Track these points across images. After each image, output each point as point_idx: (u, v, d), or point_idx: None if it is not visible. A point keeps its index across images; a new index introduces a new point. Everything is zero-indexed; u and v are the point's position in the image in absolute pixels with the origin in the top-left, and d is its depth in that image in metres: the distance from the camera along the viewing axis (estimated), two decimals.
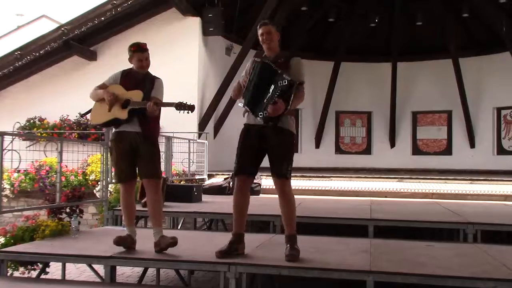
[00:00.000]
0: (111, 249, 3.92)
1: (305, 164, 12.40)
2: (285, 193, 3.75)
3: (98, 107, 4.10)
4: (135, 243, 4.02)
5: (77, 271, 6.03)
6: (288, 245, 3.67)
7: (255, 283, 4.20)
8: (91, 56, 11.46)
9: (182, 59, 10.84)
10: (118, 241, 3.93)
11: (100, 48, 11.51)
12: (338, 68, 14.29)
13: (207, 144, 9.99)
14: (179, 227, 7.03)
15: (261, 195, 7.97)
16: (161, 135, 6.49)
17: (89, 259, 4.08)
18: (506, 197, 7.95)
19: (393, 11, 13.20)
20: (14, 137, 8.22)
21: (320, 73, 13.65)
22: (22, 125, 11.14)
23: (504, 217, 5.72)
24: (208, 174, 9.85)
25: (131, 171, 4.07)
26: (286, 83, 3.48)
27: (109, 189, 6.39)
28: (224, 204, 6.85)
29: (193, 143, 9.70)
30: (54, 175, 7.43)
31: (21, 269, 4.36)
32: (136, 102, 3.92)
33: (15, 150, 7.91)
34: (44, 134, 10.60)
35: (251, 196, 3.94)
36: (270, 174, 3.82)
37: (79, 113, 10.62)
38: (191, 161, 9.45)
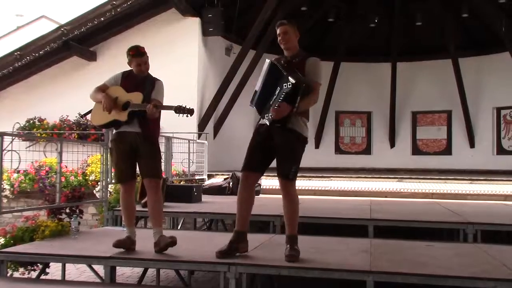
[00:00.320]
0: (111, 250, 3.92)
1: (305, 164, 12.14)
2: (287, 193, 3.73)
3: (99, 108, 4.10)
4: (134, 244, 4.02)
5: (77, 272, 6.03)
6: (288, 246, 3.66)
7: (255, 283, 4.20)
8: (91, 57, 11.46)
9: (181, 59, 10.84)
10: (118, 245, 3.93)
11: (99, 48, 11.51)
12: (337, 68, 14.30)
13: (207, 144, 10.00)
14: (179, 227, 7.03)
15: (261, 195, 7.97)
16: (161, 136, 6.49)
17: (89, 260, 4.08)
18: (506, 197, 7.95)
19: (393, 11, 13.20)
20: (13, 137, 8.22)
21: None
22: (22, 125, 11.13)
23: (504, 217, 5.73)
24: (208, 174, 9.85)
25: (131, 172, 4.08)
26: (290, 86, 3.44)
27: (109, 189, 6.39)
28: (224, 204, 6.85)
29: (193, 143, 9.70)
30: (54, 176, 7.43)
31: (21, 269, 4.36)
32: (136, 104, 3.93)
33: (14, 151, 7.90)
34: (43, 135, 10.60)
35: None
36: (270, 174, 3.82)
37: (79, 113, 10.70)
38: (191, 161, 9.45)
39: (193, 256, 3.80)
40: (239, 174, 9.28)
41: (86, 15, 10.88)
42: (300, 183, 8.89)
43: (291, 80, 3.45)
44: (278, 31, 3.80)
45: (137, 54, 4.04)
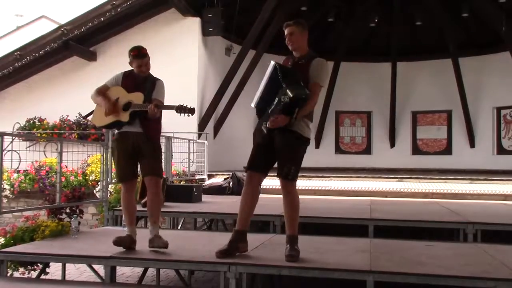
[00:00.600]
0: (111, 249, 3.92)
1: (305, 164, 12.19)
2: (287, 194, 3.73)
3: (100, 109, 4.13)
4: (135, 243, 4.02)
5: (77, 272, 6.03)
6: (289, 245, 3.66)
7: (255, 283, 4.20)
8: (91, 57, 11.46)
9: (181, 59, 10.85)
10: (118, 242, 3.94)
11: (99, 48, 11.51)
12: (337, 68, 14.30)
13: (207, 144, 10.00)
14: (179, 227, 7.04)
15: (261, 195, 7.94)
16: (161, 135, 6.49)
17: (89, 260, 4.08)
18: (506, 197, 7.95)
19: (393, 11, 13.20)
20: (14, 137, 8.22)
21: None
22: (22, 125, 11.13)
23: (504, 217, 5.73)
24: (208, 174, 9.85)
25: (133, 171, 4.11)
26: (288, 100, 3.39)
27: (109, 189, 6.39)
28: (224, 204, 6.86)
29: (193, 143, 9.70)
30: (54, 176, 7.43)
31: (21, 269, 4.36)
32: (137, 105, 3.96)
33: (15, 151, 7.91)
34: (44, 135, 10.59)
35: None
36: (270, 174, 3.82)
37: (79, 113, 10.73)
38: (191, 161, 9.45)
39: (193, 256, 3.80)
40: (239, 174, 9.35)
41: (86, 15, 10.88)
42: (300, 183, 8.85)
43: (289, 93, 3.39)
44: (285, 32, 3.79)
45: (139, 55, 4.06)
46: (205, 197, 7.50)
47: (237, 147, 11.53)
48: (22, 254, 4.06)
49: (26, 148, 9.64)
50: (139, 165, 4.14)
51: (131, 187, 4.14)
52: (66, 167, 8.28)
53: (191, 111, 3.91)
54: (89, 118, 4.41)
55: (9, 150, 7.41)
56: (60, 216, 5.45)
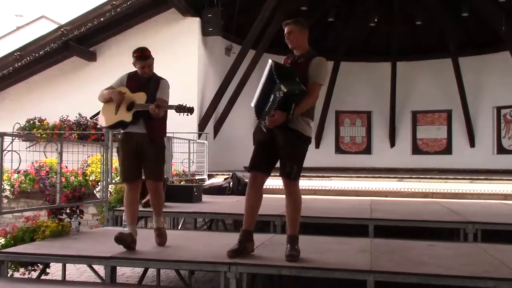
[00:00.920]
0: (111, 250, 3.92)
1: (305, 164, 12.19)
2: (290, 193, 3.73)
3: (106, 110, 4.20)
4: (135, 243, 4.04)
5: (78, 272, 6.03)
6: (289, 245, 3.66)
7: (255, 283, 4.20)
8: (91, 57, 11.46)
9: (181, 59, 10.85)
10: (119, 237, 3.95)
11: (99, 48, 11.51)
12: (337, 67, 14.30)
13: (207, 144, 9.99)
14: (179, 227, 7.04)
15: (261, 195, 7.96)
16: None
17: (89, 260, 4.08)
18: (506, 196, 7.95)
19: (393, 11, 13.20)
20: (14, 138, 8.22)
21: None
22: (22, 126, 11.13)
23: (504, 216, 5.73)
24: (208, 174, 9.85)
25: (136, 171, 4.17)
26: (282, 95, 3.39)
27: (109, 189, 6.39)
28: (224, 204, 6.86)
29: (193, 143, 9.70)
30: (54, 176, 7.44)
31: (22, 270, 4.35)
32: (139, 105, 4.03)
33: (15, 151, 7.91)
34: (44, 135, 10.59)
35: None
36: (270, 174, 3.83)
37: (79, 114, 10.74)
38: (191, 161, 9.45)
39: (194, 256, 3.80)
40: (239, 174, 9.34)
41: (86, 15, 10.87)
42: (301, 183, 8.75)
43: (283, 88, 3.38)
44: (284, 31, 3.79)
45: (142, 57, 4.12)
46: (205, 197, 7.50)
47: (237, 147, 11.53)
48: (22, 255, 4.06)
49: (26, 148, 9.64)
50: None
51: (135, 187, 4.20)
52: (66, 167, 8.29)
53: (190, 110, 3.97)
54: (96, 119, 4.48)
55: (9, 151, 7.42)
56: (60, 217, 5.45)
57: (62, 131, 10.78)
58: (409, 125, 14.62)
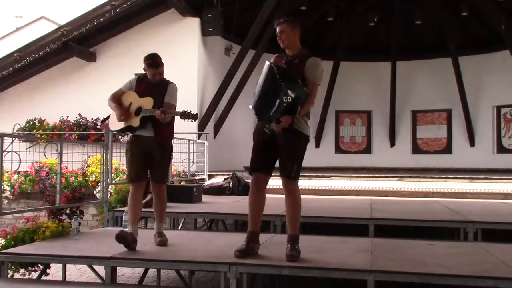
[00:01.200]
0: (111, 250, 3.92)
1: (305, 164, 12.19)
2: (289, 193, 3.74)
3: (115, 115, 4.33)
4: (136, 242, 4.06)
5: (78, 272, 6.03)
6: (289, 245, 3.66)
7: (256, 283, 4.21)
8: (91, 57, 11.45)
9: (181, 59, 10.83)
10: (120, 235, 3.99)
11: (99, 49, 11.50)
12: (337, 67, 14.29)
13: (207, 144, 9.99)
14: (179, 228, 7.04)
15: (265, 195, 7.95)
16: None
17: (89, 260, 4.09)
18: (506, 196, 7.95)
19: (392, 10, 13.19)
20: (14, 138, 8.22)
21: None
22: (22, 126, 11.13)
23: (504, 216, 5.73)
24: (208, 175, 9.85)
25: (143, 171, 4.27)
26: (290, 100, 3.39)
27: (109, 190, 6.39)
28: (224, 204, 6.86)
29: (193, 143, 9.70)
30: (54, 177, 7.43)
31: (22, 270, 4.35)
32: (146, 110, 4.15)
33: (15, 152, 7.92)
34: (44, 136, 10.59)
35: None
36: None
37: (79, 114, 10.73)
38: (191, 161, 9.45)
39: (194, 256, 3.81)
40: (240, 174, 9.33)
41: (86, 16, 10.86)
42: (301, 183, 8.78)
43: (290, 94, 3.38)
44: (276, 30, 3.79)
45: (153, 65, 4.27)
46: (205, 197, 7.50)
47: (237, 147, 11.53)
48: (22, 255, 4.07)
49: (26, 149, 9.63)
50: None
51: (140, 187, 4.30)
52: (66, 168, 8.29)
53: (194, 117, 4.12)
54: (107, 123, 4.57)
55: (9, 151, 7.43)
56: (61, 217, 5.47)
57: (62, 132, 10.77)
58: (409, 124, 14.61)
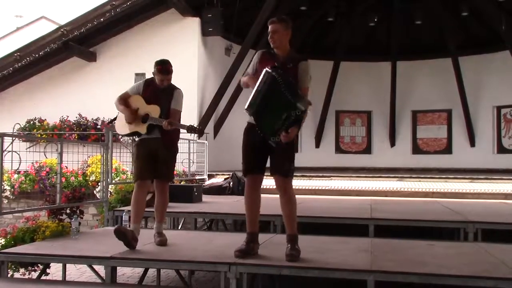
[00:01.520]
0: (111, 250, 3.92)
1: (305, 164, 12.39)
2: (286, 192, 3.75)
3: (121, 119, 4.36)
4: (136, 241, 4.07)
5: (78, 272, 6.03)
6: (289, 245, 3.66)
7: (256, 283, 4.20)
8: (91, 57, 11.45)
9: (181, 59, 10.78)
10: (119, 230, 4.03)
11: (99, 49, 11.50)
12: (337, 67, 14.29)
13: (207, 144, 9.99)
14: (179, 228, 7.04)
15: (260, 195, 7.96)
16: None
17: (89, 260, 4.09)
18: (506, 196, 7.94)
19: (392, 10, 13.20)
20: (14, 138, 8.21)
21: (319, 72, 13.58)
22: (22, 126, 11.13)
23: (504, 216, 5.73)
24: (208, 174, 9.85)
25: (148, 171, 4.30)
26: (300, 113, 3.38)
27: (109, 189, 6.39)
28: (225, 204, 6.86)
29: (193, 143, 9.69)
30: (54, 176, 7.43)
31: (22, 270, 4.36)
32: (154, 119, 4.20)
33: (15, 152, 7.90)
34: (44, 135, 10.59)
35: None
36: (269, 173, 3.82)
37: (79, 114, 10.72)
38: (191, 161, 9.45)
39: (194, 256, 3.81)
40: (239, 174, 9.32)
41: (86, 16, 10.86)
42: (301, 183, 8.91)
43: (301, 107, 3.36)
44: (268, 29, 3.77)
45: (163, 71, 4.26)
46: (205, 197, 7.50)
47: (237, 147, 11.39)
48: (22, 255, 4.07)
49: (26, 149, 9.62)
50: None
51: (144, 186, 4.33)
52: (66, 167, 8.28)
53: (200, 132, 4.23)
54: (113, 125, 4.62)
55: (9, 151, 7.41)
56: (61, 217, 5.46)
57: (62, 132, 10.78)
58: (409, 124, 14.61)
